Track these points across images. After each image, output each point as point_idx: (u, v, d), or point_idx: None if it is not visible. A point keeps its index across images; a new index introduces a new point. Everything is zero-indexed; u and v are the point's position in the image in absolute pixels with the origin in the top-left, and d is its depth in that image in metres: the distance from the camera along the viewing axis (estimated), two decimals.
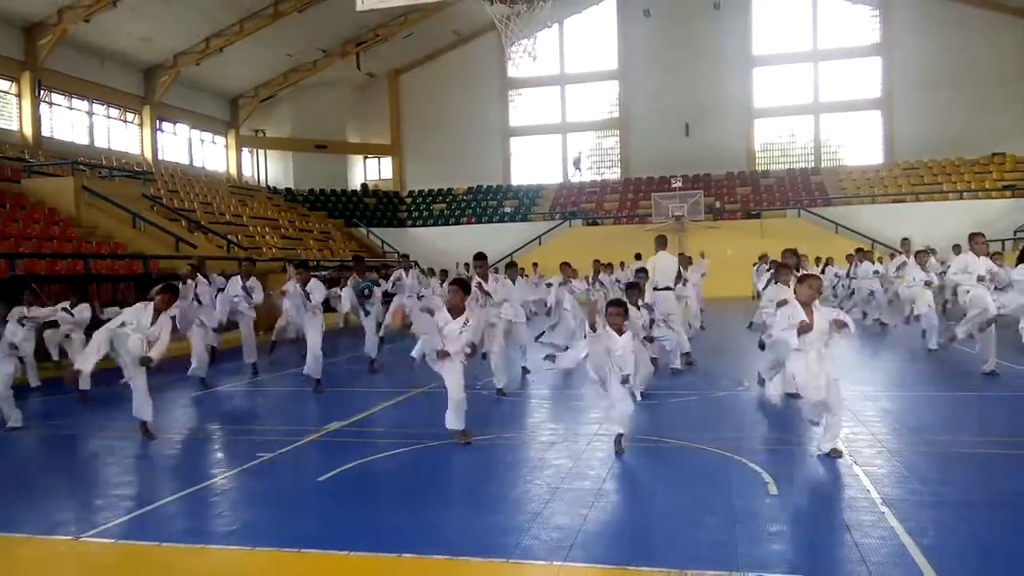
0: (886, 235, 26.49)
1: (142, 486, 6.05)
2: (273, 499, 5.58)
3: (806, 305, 6.06)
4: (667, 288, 10.66)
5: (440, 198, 37.24)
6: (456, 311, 6.74)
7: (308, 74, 34.74)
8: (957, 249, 12.01)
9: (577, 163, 36.26)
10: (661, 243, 11.33)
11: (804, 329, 5.92)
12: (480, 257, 9.92)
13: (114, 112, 28.27)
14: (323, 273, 18.34)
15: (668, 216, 30.15)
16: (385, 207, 36.90)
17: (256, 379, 11.18)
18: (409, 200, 37.66)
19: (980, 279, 9.09)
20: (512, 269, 11.70)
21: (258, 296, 11.64)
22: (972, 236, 9.63)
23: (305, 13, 28.88)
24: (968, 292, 9.22)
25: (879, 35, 34.77)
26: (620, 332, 6.24)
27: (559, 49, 37.77)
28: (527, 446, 6.89)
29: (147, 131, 29.35)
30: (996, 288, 9.30)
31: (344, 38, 33.69)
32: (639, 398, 7.78)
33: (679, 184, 32.09)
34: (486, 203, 36.16)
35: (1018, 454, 6.01)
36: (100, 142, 27.45)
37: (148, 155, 29.12)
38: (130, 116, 28.96)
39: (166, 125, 30.77)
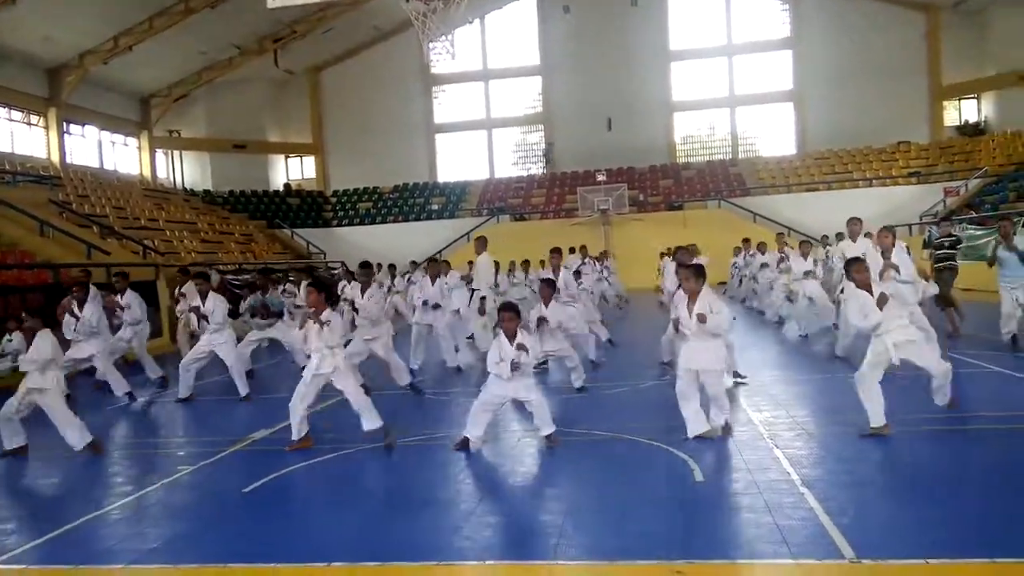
0: (802, 222, 27.43)
1: (55, 507, 5.78)
2: (196, 513, 5.42)
3: (691, 296, 6.32)
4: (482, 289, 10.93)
5: (366, 197, 36.77)
6: (316, 315, 6.72)
7: (223, 72, 33.72)
8: (840, 237, 12.38)
9: (547, 154, 36.09)
10: (482, 244, 11.62)
11: (676, 323, 6.36)
12: (365, 265, 9.83)
13: (16, 115, 26.86)
14: (244, 277, 17.86)
15: (594, 209, 30.53)
16: (309, 207, 36.22)
17: (168, 391, 10.66)
18: (334, 200, 37.06)
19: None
20: (434, 265, 11.59)
21: (135, 313, 10.89)
22: (849, 221, 10.04)
23: (218, 9, 28.00)
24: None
25: (789, 29, 35.96)
26: (514, 335, 6.31)
27: (482, 45, 37.75)
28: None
29: (53, 134, 27.98)
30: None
31: (260, 35, 32.83)
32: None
33: (603, 178, 32.53)
34: (413, 201, 35.89)
35: (928, 431, 6.32)
36: (2, 146, 26.04)
37: (55, 159, 27.78)
38: (34, 118, 27.57)
39: (74, 127, 29.40)
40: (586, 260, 17.26)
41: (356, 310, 8.85)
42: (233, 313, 11.10)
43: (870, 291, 6.18)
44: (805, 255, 12.59)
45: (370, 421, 6.60)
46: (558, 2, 35.80)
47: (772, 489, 5.05)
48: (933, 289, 6.16)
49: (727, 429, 6.40)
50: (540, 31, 37.38)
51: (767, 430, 6.57)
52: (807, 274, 12.26)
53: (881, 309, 6.03)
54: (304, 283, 8.62)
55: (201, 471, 6.36)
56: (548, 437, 6.38)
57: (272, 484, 5.83)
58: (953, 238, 12.17)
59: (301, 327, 6.80)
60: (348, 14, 31.86)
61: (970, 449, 5.89)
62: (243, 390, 9.64)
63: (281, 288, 13.49)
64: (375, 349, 9.04)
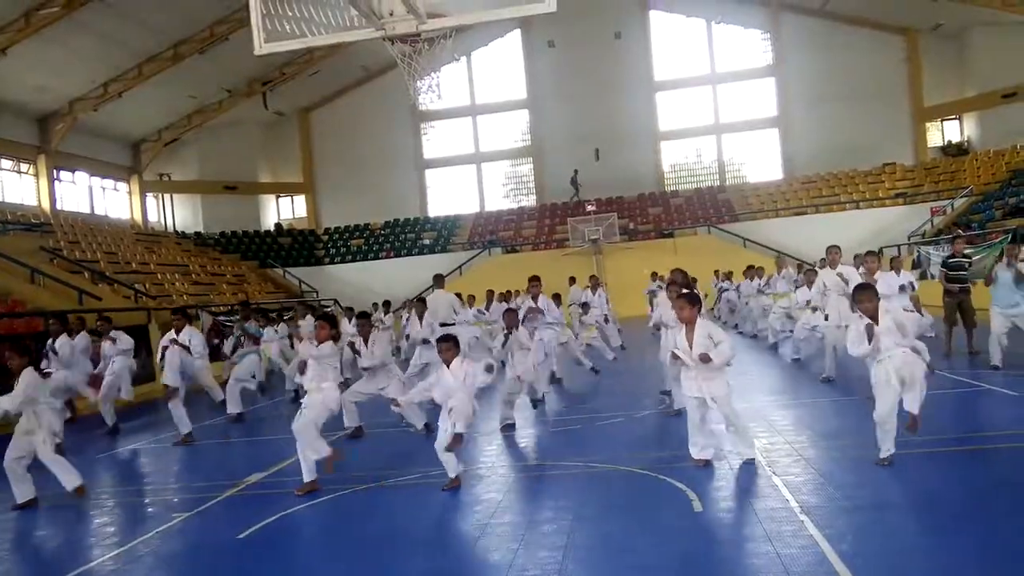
0: (792, 247, 27.60)
1: (48, 560, 5.70)
2: (191, 562, 5.35)
3: (688, 325, 6.31)
4: (443, 324, 10.93)
5: (357, 234, 36.88)
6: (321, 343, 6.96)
7: (213, 115, 34.00)
8: (822, 263, 12.27)
9: (574, 181, 36.07)
10: (438, 282, 11.77)
11: (673, 357, 6.32)
12: (362, 316, 9.80)
13: (7, 163, 26.97)
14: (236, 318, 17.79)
15: (585, 239, 30.66)
16: (301, 246, 36.28)
17: (159, 436, 10.62)
18: (325, 237, 37.14)
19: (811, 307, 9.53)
20: (420, 305, 11.60)
21: (125, 342, 11.25)
22: (828, 249, 10.10)
23: (206, 55, 28.35)
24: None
25: (771, 57, 36.53)
26: (448, 365, 6.49)
27: (469, 81, 38.19)
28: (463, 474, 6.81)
29: (43, 181, 28.08)
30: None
31: (249, 77, 33.19)
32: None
33: (593, 208, 32.73)
34: (404, 236, 36.01)
35: (927, 453, 6.31)
36: None
37: (46, 206, 27.86)
38: (24, 166, 27.69)
39: (64, 174, 29.52)
40: (598, 291, 17.35)
41: (357, 352, 8.82)
42: (215, 354, 11.21)
43: (876, 320, 5.98)
44: (809, 284, 12.39)
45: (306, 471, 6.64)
46: (543, 37, 36.38)
47: (771, 517, 5.02)
48: (928, 322, 6.08)
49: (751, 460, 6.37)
50: (526, 65, 37.88)
51: (765, 457, 6.54)
52: (808, 303, 12.14)
53: (869, 341, 5.91)
54: (313, 318, 8.61)
55: (195, 518, 6.28)
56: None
57: (268, 529, 5.77)
58: (966, 259, 12.00)
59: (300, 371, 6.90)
60: (335, 56, 32.28)
61: (970, 472, 5.85)
62: (226, 402, 9.63)
63: (275, 327, 13.62)
64: (390, 394, 8.99)
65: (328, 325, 7.11)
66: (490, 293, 17.73)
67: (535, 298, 11.00)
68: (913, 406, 5.90)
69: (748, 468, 6.21)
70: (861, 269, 9.65)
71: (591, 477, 6.55)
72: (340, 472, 6.93)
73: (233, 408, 11.04)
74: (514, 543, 4.99)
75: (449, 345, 6.59)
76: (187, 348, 9.72)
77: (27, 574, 5.29)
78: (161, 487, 7.94)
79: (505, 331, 8.98)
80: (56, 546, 6.11)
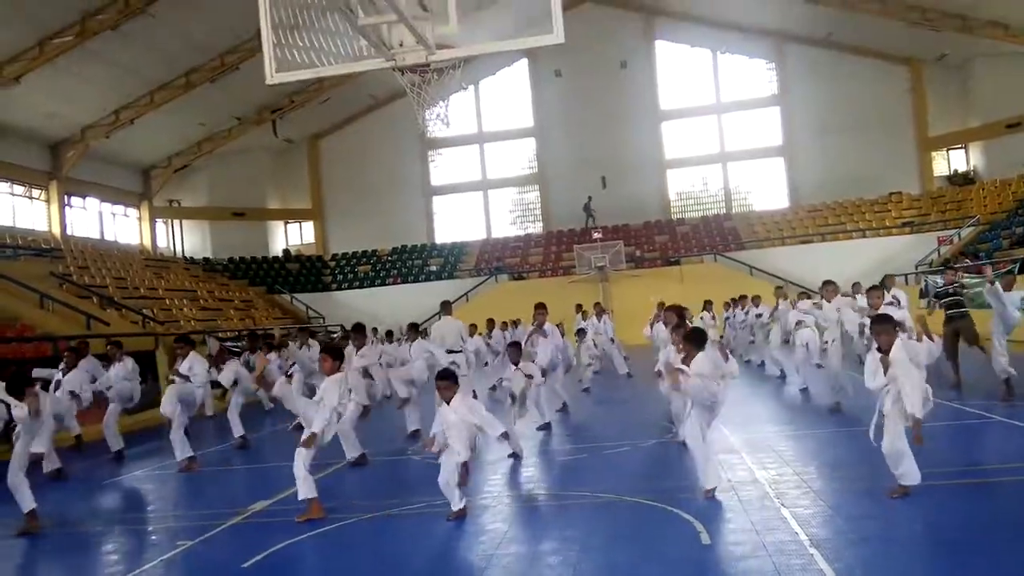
0: (798, 275, 27.54)
1: None
2: None
3: (686, 359, 6.31)
4: (450, 351, 10.95)
5: (364, 260, 37.00)
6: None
7: (223, 142, 34.32)
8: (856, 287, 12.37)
9: (588, 208, 36.08)
10: (445, 308, 11.80)
11: (675, 383, 6.31)
12: (358, 328, 9.93)
13: (19, 189, 27.23)
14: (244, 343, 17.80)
15: (591, 267, 30.69)
16: (309, 272, 36.40)
17: (165, 463, 10.62)
18: (333, 264, 37.28)
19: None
20: (412, 332, 11.66)
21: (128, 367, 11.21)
22: (823, 284, 10.19)
23: (217, 83, 28.68)
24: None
25: (776, 87, 36.75)
26: (448, 402, 6.39)
27: (476, 109, 38.51)
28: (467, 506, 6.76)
29: (55, 207, 28.31)
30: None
31: (259, 105, 33.54)
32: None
33: (599, 235, 32.80)
34: (411, 262, 36.11)
35: (936, 486, 6.24)
36: (4, 220, 26.32)
37: (56, 231, 28.05)
38: (36, 192, 27.94)
39: (75, 200, 29.77)
40: (603, 318, 17.39)
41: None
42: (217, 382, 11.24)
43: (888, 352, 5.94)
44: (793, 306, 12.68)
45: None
46: (550, 66, 36.72)
47: (781, 551, 4.97)
48: (938, 348, 6.02)
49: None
50: (533, 94, 38.20)
51: (773, 488, 6.49)
52: (798, 324, 12.31)
53: (885, 374, 5.87)
54: (318, 349, 8.68)
55: (200, 546, 6.25)
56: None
57: (273, 557, 5.73)
58: (960, 285, 12.08)
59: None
60: (344, 84, 32.61)
61: (977, 505, 5.76)
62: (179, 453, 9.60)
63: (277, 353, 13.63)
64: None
65: (331, 357, 6.98)
66: (491, 322, 17.66)
67: (540, 325, 11.02)
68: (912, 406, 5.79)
69: (756, 500, 6.14)
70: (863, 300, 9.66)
71: (597, 507, 6.50)
72: (345, 501, 6.89)
73: (236, 431, 11.04)
74: (520, 574, 4.95)
75: (448, 383, 6.55)
76: (187, 378, 9.65)
77: None
78: (165, 514, 7.90)
79: (513, 365, 9.00)
80: (59, 574, 6.07)
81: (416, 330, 11.72)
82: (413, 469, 8.77)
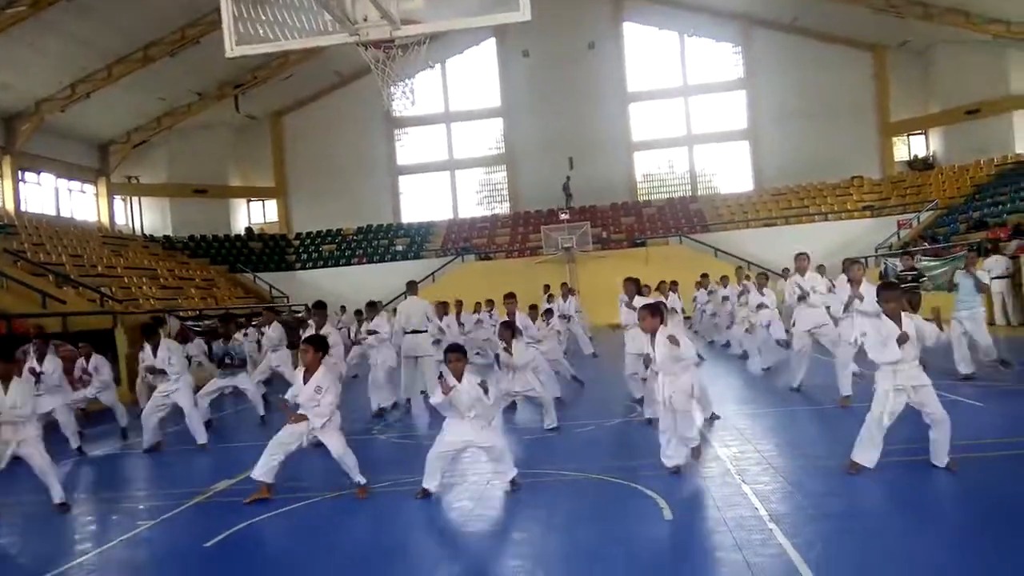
0: (761, 257, 27.92)
1: (8, 567, 5.55)
2: (157, 570, 5.26)
3: (652, 334, 6.37)
4: (415, 332, 10.97)
5: (329, 239, 36.60)
6: (310, 371, 6.55)
7: (183, 118, 33.57)
8: (786, 273, 12.56)
9: (567, 188, 35.80)
10: (411, 288, 11.83)
11: (646, 360, 6.41)
12: (319, 305, 9.87)
13: None
14: (206, 323, 17.56)
15: (558, 248, 30.74)
16: (272, 251, 35.91)
17: (128, 441, 10.46)
18: (297, 243, 36.82)
19: (802, 297, 9.70)
20: (371, 310, 11.63)
21: (105, 374, 10.81)
22: (796, 256, 10.30)
23: (177, 57, 27.98)
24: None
25: (742, 70, 36.98)
26: (460, 376, 6.26)
27: (443, 88, 38.16)
28: (440, 490, 6.76)
29: (8, 182, 27.47)
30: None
31: (220, 80, 32.83)
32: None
33: (567, 216, 32.81)
34: (377, 242, 35.82)
35: (895, 462, 6.39)
36: None
37: (10, 207, 27.24)
38: None
39: (29, 175, 28.92)
40: (569, 299, 17.45)
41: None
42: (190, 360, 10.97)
43: (899, 323, 5.89)
44: (761, 288, 12.84)
45: (354, 474, 6.51)
46: (518, 46, 36.48)
47: (741, 526, 5.06)
48: (946, 335, 6.02)
49: (696, 453, 6.56)
50: (500, 74, 37.95)
51: (735, 465, 6.60)
52: (759, 307, 12.52)
53: (900, 347, 5.81)
54: (301, 343, 8.49)
55: (161, 525, 6.17)
56: (512, 481, 6.31)
57: (234, 537, 5.68)
58: (915, 272, 12.44)
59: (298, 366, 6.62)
60: (308, 60, 32.08)
61: (937, 481, 5.89)
62: (201, 438, 9.40)
63: (244, 331, 13.37)
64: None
65: (313, 348, 6.66)
66: (442, 305, 16.03)
67: (511, 315, 10.88)
68: (940, 455, 5.92)
69: (718, 477, 6.24)
70: (842, 276, 9.76)
71: (563, 485, 6.56)
72: (311, 479, 6.86)
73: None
74: (485, 552, 4.97)
75: (458, 355, 6.37)
76: (163, 372, 9.39)
77: None
78: (127, 494, 7.80)
79: (504, 346, 8.76)
80: (17, 553, 5.96)
81: (375, 308, 11.64)
82: (379, 448, 8.75)
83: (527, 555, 4.88)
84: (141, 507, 7.01)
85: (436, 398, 6.34)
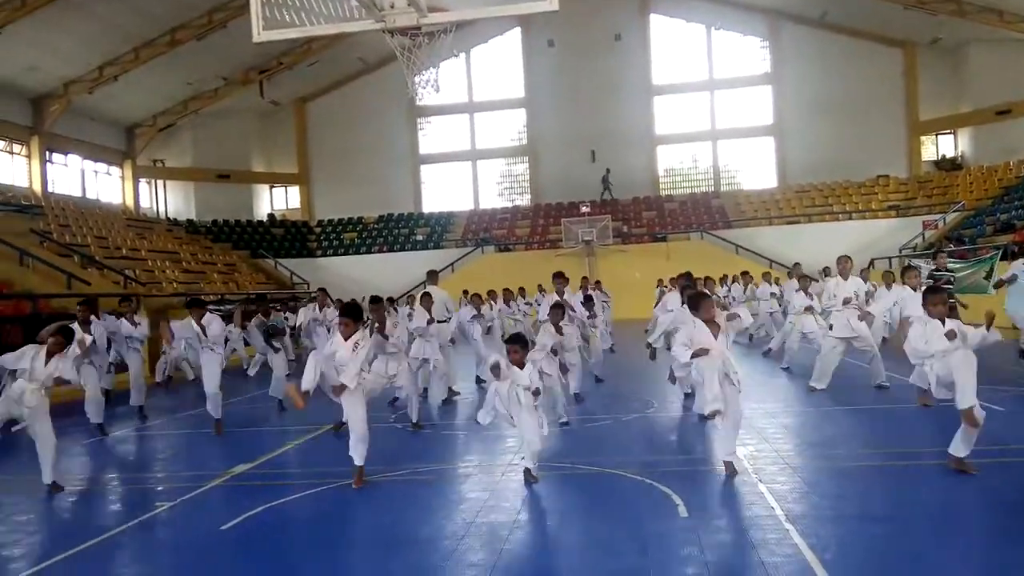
0: (784, 255, 27.69)
1: (28, 546, 5.64)
2: (173, 551, 5.32)
3: (709, 323, 6.25)
4: (438, 321, 10.86)
5: (350, 227, 36.76)
6: (347, 336, 6.52)
7: (209, 102, 33.81)
8: (826, 271, 12.36)
9: (606, 180, 35.75)
10: (432, 278, 11.76)
11: (701, 352, 6.10)
12: (376, 300, 9.81)
13: None
14: (227, 307, 17.71)
15: (578, 241, 30.67)
16: (293, 237, 36.13)
17: (148, 423, 10.61)
18: (318, 230, 37.02)
19: (846, 301, 9.55)
20: (426, 299, 11.53)
21: (143, 329, 11.24)
22: (839, 259, 10.13)
23: (204, 41, 28.15)
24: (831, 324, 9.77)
25: (769, 65, 36.60)
26: (521, 366, 6.28)
27: (467, 78, 38.12)
28: (442, 481, 6.78)
29: (36, 163, 27.84)
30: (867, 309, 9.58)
31: (246, 66, 33.00)
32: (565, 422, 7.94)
33: (587, 209, 32.73)
34: (398, 231, 35.93)
35: (909, 465, 6.33)
36: None
37: (37, 188, 27.63)
38: (17, 147, 27.44)
39: (56, 156, 29.29)
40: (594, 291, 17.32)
41: (386, 337, 8.76)
42: None
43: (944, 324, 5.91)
44: (805, 290, 12.46)
45: (357, 457, 6.48)
46: (542, 36, 36.34)
47: (756, 525, 5.02)
48: (994, 337, 5.95)
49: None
50: (525, 64, 37.83)
51: (751, 464, 6.55)
52: (807, 309, 11.93)
53: (951, 340, 5.79)
54: (337, 318, 8.45)
55: (179, 507, 6.24)
56: (527, 471, 6.31)
57: (252, 520, 5.73)
58: (948, 272, 12.17)
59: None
60: (334, 47, 32.16)
61: (954, 485, 5.81)
62: (216, 412, 9.39)
63: (284, 315, 13.65)
64: (399, 382, 8.96)
65: (352, 321, 6.62)
66: (491, 293, 15.93)
67: (561, 294, 10.66)
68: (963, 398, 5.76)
69: (729, 475, 6.19)
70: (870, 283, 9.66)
71: (578, 479, 6.55)
72: (328, 467, 6.90)
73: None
74: (498, 542, 4.97)
75: (518, 347, 6.36)
76: (204, 331, 9.35)
77: (7, 560, 5.23)
78: (146, 475, 7.88)
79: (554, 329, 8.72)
80: (36, 531, 6.05)
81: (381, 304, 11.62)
82: (397, 437, 8.78)
83: (540, 546, 4.88)
84: (159, 488, 7.08)
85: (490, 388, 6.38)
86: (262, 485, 6.70)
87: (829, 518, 5.16)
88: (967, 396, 5.70)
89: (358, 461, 6.46)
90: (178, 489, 6.76)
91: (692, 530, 5.09)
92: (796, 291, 12.57)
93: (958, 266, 16.85)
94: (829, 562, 4.29)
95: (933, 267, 12.27)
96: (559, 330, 8.79)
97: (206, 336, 9.27)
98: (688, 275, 9.63)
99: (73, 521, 6.22)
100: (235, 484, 6.93)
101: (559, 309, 8.96)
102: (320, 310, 13.41)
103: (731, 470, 6.18)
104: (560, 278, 10.86)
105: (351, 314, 6.72)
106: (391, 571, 4.62)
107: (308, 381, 6.35)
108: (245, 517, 5.77)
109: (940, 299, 6.07)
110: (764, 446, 7.25)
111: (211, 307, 18.87)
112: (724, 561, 4.56)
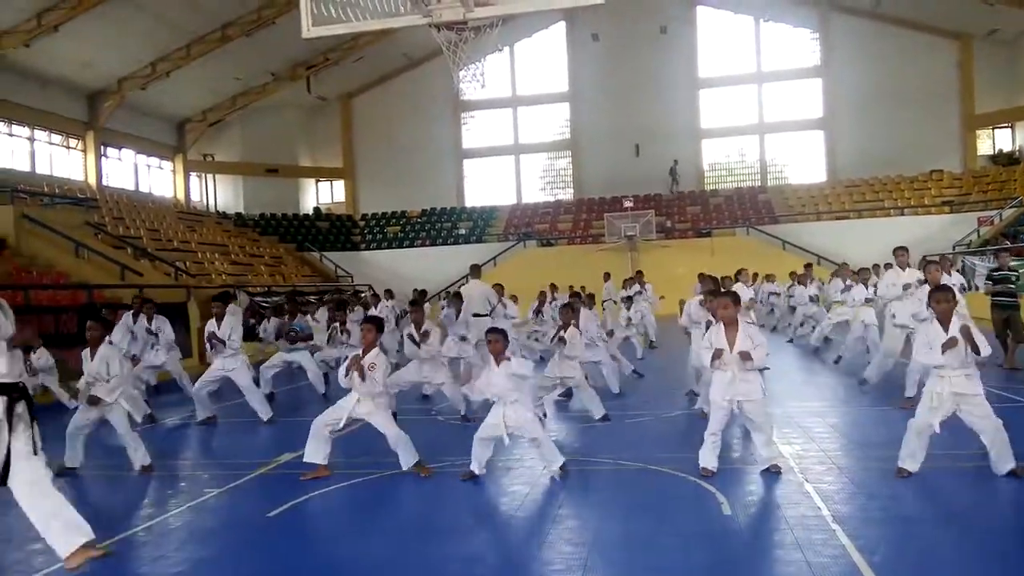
0: (831, 251, 27.15)
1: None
2: (222, 537, 5.44)
3: (729, 325, 6.17)
4: (478, 315, 10.86)
5: (394, 221, 37.09)
6: (367, 350, 6.61)
7: (258, 98, 34.41)
8: (887, 267, 12.13)
9: (673, 172, 35.71)
10: (474, 272, 11.70)
11: (717, 355, 6.07)
12: (415, 303, 9.91)
13: (56, 138, 27.58)
14: (274, 300, 17.98)
15: (621, 236, 30.47)
16: (338, 231, 36.60)
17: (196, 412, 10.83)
18: (362, 223, 37.43)
19: (906, 287, 9.35)
20: (456, 300, 11.58)
21: (168, 336, 10.94)
22: (895, 251, 9.91)
23: (253, 37, 28.66)
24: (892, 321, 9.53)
25: (819, 57, 35.88)
26: (498, 362, 6.25)
27: (511, 72, 38.14)
28: (484, 473, 6.81)
29: (91, 157, 28.68)
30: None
31: (294, 61, 33.51)
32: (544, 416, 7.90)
33: (631, 204, 32.51)
34: (440, 225, 36.13)
35: (961, 467, 6.16)
36: (42, 168, 26.74)
37: (92, 181, 28.45)
38: (73, 142, 28.29)
39: (111, 151, 30.13)
40: (643, 287, 17.25)
41: (416, 342, 8.84)
42: (249, 335, 11.21)
43: (947, 327, 5.78)
44: (865, 282, 12.30)
45: (407, 458, 6.56)
46: (587, 30, 36.15)
47: (802, 525, 4.95)
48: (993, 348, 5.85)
49: (775, 468, 6.19)
50: (569, 58, 37.68)
51: (797, 463, 6.45)
52: (868, 301, 11.83)
53: (944, 352, 5.66)
54: (360, 322, 8.54)
55: (227, 494, 6.38)
56: (562, 468, 6.29)
57: (297, 508, 5.84)
58: (1012, 272, 11.75)
59: (347, 372, 6.58)
60: (379, 43, 32.44)
61: (1004, 489, 5.65)
62: (264, 414, 9.64)
63: (310, 315, 13.51)
64: (436, 381, 9.09)
65: (375, 328, 6.86)
66: (542, 294, 15.17)
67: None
68: (1002, 463, 5.69)
69: (780, 474, 6.11)
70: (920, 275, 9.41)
71: (619, 474, 6.52)
72: (372, 457, 6.98)
73: (265, 387, 11.01)
74: (539, 536, 4.98)
75: (496, 336, 6.38)
76: (223, 342, 9.61)
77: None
78: (194, 463, 8.07)
79: (561, 329, 8.72)
80: (88, 516, 6.23)
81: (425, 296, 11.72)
82: (440, 429, 8.85)
83: (581, 542, 4.87)
84: (207, 476, 7.25)
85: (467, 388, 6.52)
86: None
87: (878, 520, 5.06)
88: (1004, 461, 5.69)
89: (410, 460, 6.53)
90: (227, 476, 6.90)
91: (735, 528, 5.03)
92: (845, 288, 12.41)
93: (1015, 263, 16.31)
94: (878, 564, 4.21)
95: (995, 266, 11.87)
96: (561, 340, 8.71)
97: (223, 345, 9.51)
98: (714, 279, 9.43)
99: (123, 506, 6.38)
100: (282, 473, 7.05)
101: (569, 309, 8.97)
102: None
103: (775, 468, 6.13)
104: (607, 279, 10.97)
105: (374, 321, 7.00)
106: (433, 560, 4.66)
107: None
108: (292, 504, 5.88)
109: (944, 297, 5.90)
110: (811, 445, 7.13)
111: (258, 298, 19.37)
112: (769, 560, 4.50)
